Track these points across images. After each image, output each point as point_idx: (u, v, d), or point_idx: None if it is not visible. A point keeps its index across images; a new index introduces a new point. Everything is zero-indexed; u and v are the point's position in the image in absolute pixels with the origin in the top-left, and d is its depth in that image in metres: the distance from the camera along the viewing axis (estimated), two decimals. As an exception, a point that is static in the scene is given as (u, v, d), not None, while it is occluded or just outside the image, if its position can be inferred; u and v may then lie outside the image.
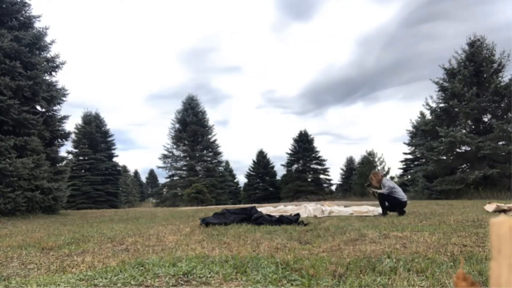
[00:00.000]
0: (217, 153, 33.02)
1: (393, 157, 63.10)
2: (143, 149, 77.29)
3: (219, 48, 68.63)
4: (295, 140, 35.59)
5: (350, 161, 37.67)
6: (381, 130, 66.43)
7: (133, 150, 77.39)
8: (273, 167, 38.47)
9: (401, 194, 6.62)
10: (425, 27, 55.72)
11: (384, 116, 68.23)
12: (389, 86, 63.60)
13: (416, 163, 26.77)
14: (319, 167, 35.46)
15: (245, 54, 69.70)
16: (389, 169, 29.84)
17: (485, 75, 17.97)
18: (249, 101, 67.61)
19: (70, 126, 38.78)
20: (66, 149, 25.21)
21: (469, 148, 17.66)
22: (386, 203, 6.61)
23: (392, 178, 27.15)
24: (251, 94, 68.20)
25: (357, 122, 65.60)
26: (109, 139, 27.93)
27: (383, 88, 64.36)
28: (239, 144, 66.38)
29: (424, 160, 21.87)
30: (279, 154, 76.77)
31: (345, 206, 8.75)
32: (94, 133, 26.39)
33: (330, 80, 67.54)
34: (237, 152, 70.09)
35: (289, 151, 35.70)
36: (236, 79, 68.28)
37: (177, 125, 32.62)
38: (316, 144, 35.56)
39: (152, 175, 54.48)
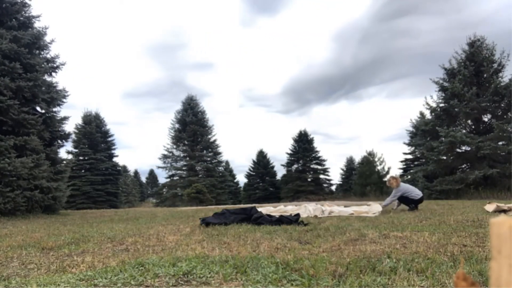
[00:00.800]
0: (217, 153, 33.01)
1: (388, 157, 62.90)
2: (127, 149, 75.84)
3: (187, 43, 66.33)
4: (295, 140, 35.57)
5: (350, 161, 37.67)
6: (371, 130, 65.74)
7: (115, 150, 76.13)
8: (273, 167, 38.47)
9: (414, 193, 7.54)
10: (400, 22, 55.11)
11: (372, 115, 67.82)
12: (371, 84, 62.88)
13: (416, 163, 26.75)
14: (319, 167, 35.45)
15: (216, 49, 68.05)
16: (389, 168, 29.85)
17: (485, 75, 17.96)
18: (230, 100, 66.45)
19: (70, 126, 38.80)
20: (66, 149, 25.14)
21: (469, 148, 17.65)
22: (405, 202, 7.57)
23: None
24: (231, 93, 66.69)
25: (344, 122, 64.98)
26: (109, 139, 27.93)
27: (364, 86, 63.71)
28: (225, 144, 65.92)
29: (424, 160, 21.85)
30: (270, 154, 76.44)
31: (345, 206, 8.75)
32: (94, 133, 26.39)
33: (310, 78, 66.52)
34: (224, 152, 69.61)
35: (289, 151, 35.71)
36: (211, 76, 66.73)
37: (177, 125, 32.62)
38: (316, 144, 35.59)
39: (152, 175, 54.48)
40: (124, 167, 39.41)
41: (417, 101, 66.40)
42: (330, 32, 68.82)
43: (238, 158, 79.93)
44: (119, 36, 70.72)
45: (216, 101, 63.66)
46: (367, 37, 61.81)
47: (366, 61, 62.25)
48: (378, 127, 65.70)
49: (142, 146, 71.95)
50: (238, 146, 64.63)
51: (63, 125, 11.61)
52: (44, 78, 10.71)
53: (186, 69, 66.56)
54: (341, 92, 67.43)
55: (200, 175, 31.43)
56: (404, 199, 7.53)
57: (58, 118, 11.43)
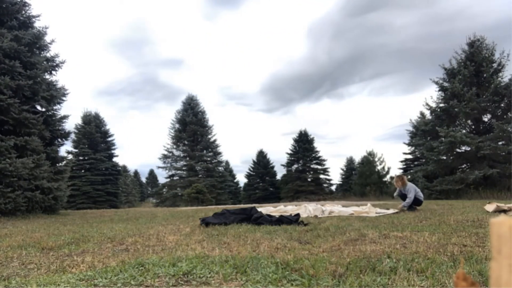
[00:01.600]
0: (217, 153, 33.02)
1: (381, 157, 62.16)
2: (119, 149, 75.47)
3: (151, 38, 63.69)
4: (295, 140, 35.57)
5: (350, 161, 37.67)
6: (360, 129, 65.03)
7: (115, 150, 75.51)
8: (273, 167, 38.47)
9: (420, 193, 7.57)
10: (371, 17, 54.05)
11: (358, 114, 67.02)
12: (351, 83, 62.04)
13: (416, 163, 26.76)
14: (319, 167, 35.44)
15: (184, 45, 65.35)
16: (389, 168, 29.84)
17: (485, 75, 17.96)
18: (209, 98, 64.36)
19: (70, 126, 38.78)
20: (66, 149, 25.19)
21: (469, 148, 17.66)
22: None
23: (391, 178, 27.16)
24: (207, 90, 64.48)
25: (331, 121, 64.09)
26: (109, 139, 27.93)
27: (344, 85, 62.81)
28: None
29: (424, 160, 21.86)
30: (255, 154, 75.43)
31: (342, 206, 8.76)
32: (94, 133, 26.38)
33: (288, 76, 65.22)
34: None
35: (289, 151, 35.71)
36: (185, 73, 64.69)
37: (177, 125, 32.63)
38: (316, 144, 35.58)
39: (152, 175, 54.46)
40: (124, 167, 39.40)
41: (402, 99, 65.50)
42: (303, 27, 67.32)
43: (223, 158, 79.41)
44: (77, 31, 67.22)
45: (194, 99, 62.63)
46: (339, 33, 60.43)
47: (342, 59, 61.12)
48: (366, 126, 64.98)
49: (132, 146, 70.91)
50: (224, 146, 64.23)
51: (63, 124, 11.63)
52: (44, 76, 10.72)
53: (155, 65, 64.39)
54: (322, 91, 66.32)
55: (200, 175, 31.43)
56: (416, 201, 7.43)
57: (58, 116, 11.44)
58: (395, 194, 8.07)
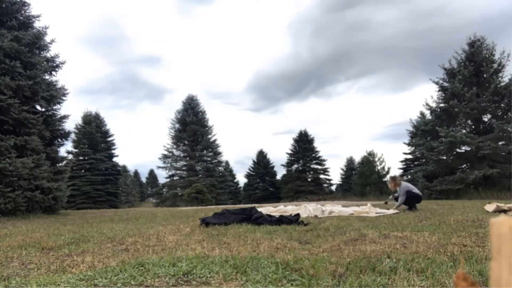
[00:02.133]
0: (217, 153, 33.02)
1: (383, 157, 61.59)
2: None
3: (126, 34, 61.31)
4: (295, 140, 35.57)
5: (350, 161, 37.66)
6: (352, 128, 64.22)
7: (115, 150, 75.13)
8: (273, 167, 38.46)
9: (416, 189, 7.46)
10: (351, 13, 53.18)
11: (349, 113, 66.04)
12: (337, 81, 61.12)
13: (416, 163, 26.76)
14: (319, 167, 35.43)
15: (160, 41, 63.59)
16: (389, 169, 29.83)
17: (485, 75, 17.96)
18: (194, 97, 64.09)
19: (70, 126, 38.76)
20: (66, 149, 25.21)
21: (469, 148, 17.66)
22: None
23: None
24: (192, 89, 64.03)
25: (322, 120, 62.92)
26: (109, 139, 27.92)
27: (330, 83, 61.87)
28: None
29: (424, 160, 21.86)
30: (250, 154, 70.86)
31: (342, 206, 8.76)
32: (94, 133, 26.38)
33: (272, 74, 64.03)
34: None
35: (289, 151, 35.71)
36: (165, 71, 63.08)
37: (177, 125, 32.64)
38: (316, 144, 35.56)
39: (152, 175, 54.46)
40: (124, 167, 39.41)
41: (391, 98, 64.92)
42: (282, 23, 65.70)
43: (223, 158, 78.76)
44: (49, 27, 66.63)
45: (178, 99, 60.60)
46: (320, 30, 59.11)
47: (325, 57, 60.19)
48: (358, 125, 63.95)
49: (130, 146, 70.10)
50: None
51: (63, 124, 11.63)
52: (44, 76, 10.72)
53: (133, 63, 63.15)
54: (308, 90, 65.13)
55: (200, 175, 31.43)
56: (410, 199, 7.33)
57: (58, 116, 11.44)
58: (390, 197, 8.06)
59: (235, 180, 42.42)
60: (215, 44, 68.12)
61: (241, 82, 67.44)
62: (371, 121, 64.46)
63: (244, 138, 66.33)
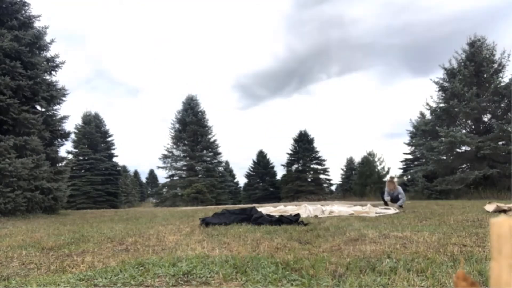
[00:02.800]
0: (217, 153, 33.01)
1: (383, 157, 61.08)
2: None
3: (96, 31, 60.73)
4: (295, 140, 35.56)
5: (350, 161, 37.65)
6: (346, 127, 63.81)
7: (115, 150, 74.25)
8: (273, 167, 38.46)
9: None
10: (324, 8, 52.31)
11: (337, 112, 65.71)
12: (318, 80, 60.48)
13: (416, 163, 26.75)
14: (319, 167, 35.43)
15: (133, 38, 62.72)
16: (389, 169, 29.84)
17: (485, 75, 17.96)
18: (176, 96, 62.10)
19: (70, 126, 38.68)
20: (66, 149, 25.24)
21: (469, 148, 17.66)
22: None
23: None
24: (171, 87, 61.85)
25: (311, 119, 62.83)
26: (109, 139, 27.94)
27: (312, 82, 61.22)
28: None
29: (424, 160, 21.86)
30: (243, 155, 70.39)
31: (342, 206, 8.77)
32: (94, 133, 26.39)
33: (252, 72, 63.12)
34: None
35: (289, 151, 35.71)
36: (142, 69, 61.90)
37: (177, 125, 32.63)
38: (316, 144, 35.56)
39: (152, 175, 54.43)
40: (124, 167, 39.40)
41: (376, 96, 64.55)
42: (255, 20, 64.31)
43: (223, 158, 78.24)
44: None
45: (161, 98, 58.63)
46: (294, 26, 58.08)
47: (303, 54, 59.32)
48: (350, 124, 63.32)
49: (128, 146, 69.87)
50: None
51: (63, 124, 11.63)
52: (44, 76, 10.72)
53: (106, 60, 62.19)
54: (290, 88, 64.56)
55: (200, 175, 31.41)
56: (396, 197, 8.27)
57: (58, 116, 11.44)
58: (385, 197, 8.35)
59: (235, 180, 42.45)
60: (195, 43, 67.05)
61: (223, 80, 66.82)
62: (363, 119, 64.19)
63: (232, 137, 66.38)
